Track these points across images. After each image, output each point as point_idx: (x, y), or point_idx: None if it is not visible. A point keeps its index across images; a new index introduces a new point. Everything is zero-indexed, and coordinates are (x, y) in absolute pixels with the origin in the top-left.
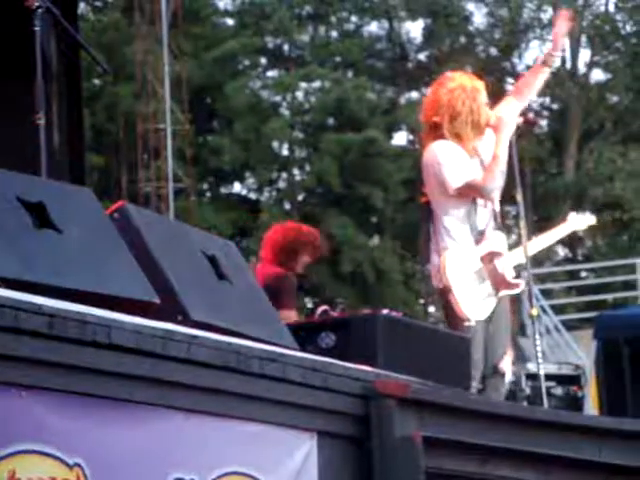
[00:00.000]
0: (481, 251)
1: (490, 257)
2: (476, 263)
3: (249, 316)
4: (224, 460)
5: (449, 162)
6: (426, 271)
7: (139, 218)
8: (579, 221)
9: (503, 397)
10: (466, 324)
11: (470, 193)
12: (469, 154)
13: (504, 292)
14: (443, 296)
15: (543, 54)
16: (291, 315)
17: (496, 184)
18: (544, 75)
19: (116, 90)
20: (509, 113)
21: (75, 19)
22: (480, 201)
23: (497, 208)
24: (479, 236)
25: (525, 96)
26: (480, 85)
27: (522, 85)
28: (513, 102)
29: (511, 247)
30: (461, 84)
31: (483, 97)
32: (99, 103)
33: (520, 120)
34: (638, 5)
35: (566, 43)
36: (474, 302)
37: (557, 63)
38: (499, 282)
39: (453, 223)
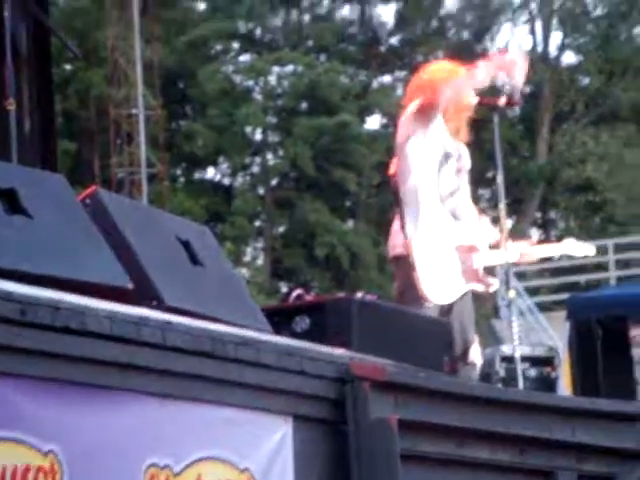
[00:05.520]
0: (460, 240)
1: (469, 249)
2: (448, 249)
3: (223, 301)
4: (199, 445)
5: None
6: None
7: (112, 203)
8: (576, 248)
9: None
10: (425, 304)
11: (426, 110)
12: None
13: (473, 286)
14: (405, 268)
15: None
16: None
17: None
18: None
19: (87, 75)
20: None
21: (45, 4)
22: (454, 182)
23: (468, 192)
24: (453, 216)
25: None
26: (459, 68)
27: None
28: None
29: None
30: (441, 67)
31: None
32: (70, 88)
33: (503, 100)
34: None
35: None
36: (437, 286)
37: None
38: (471, 276)
39: (423, 199)
